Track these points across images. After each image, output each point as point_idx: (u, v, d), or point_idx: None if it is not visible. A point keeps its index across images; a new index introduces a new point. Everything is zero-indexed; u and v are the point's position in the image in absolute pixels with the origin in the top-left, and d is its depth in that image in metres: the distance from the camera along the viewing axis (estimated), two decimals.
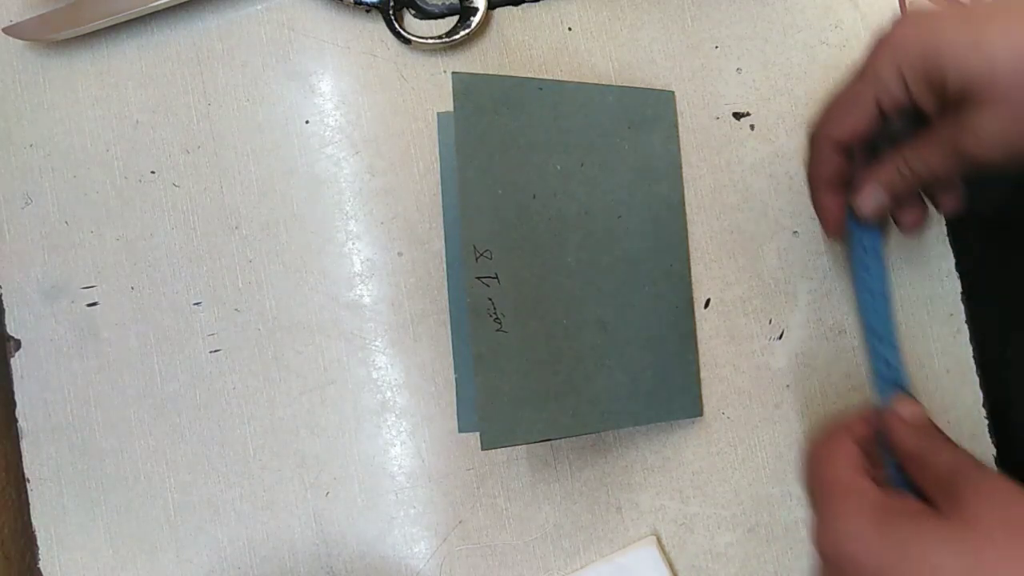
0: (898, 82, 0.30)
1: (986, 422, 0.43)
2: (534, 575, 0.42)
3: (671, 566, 0.42)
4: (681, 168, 0.43)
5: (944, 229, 0.43)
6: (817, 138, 0.34)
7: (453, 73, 0.37)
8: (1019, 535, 0.24)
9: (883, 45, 0.31)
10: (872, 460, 0.30)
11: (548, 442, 0.42)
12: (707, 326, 0.43)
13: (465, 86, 0.37)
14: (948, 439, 0.32)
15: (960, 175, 0.33)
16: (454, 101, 0.37)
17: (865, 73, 0.31)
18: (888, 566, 0.25)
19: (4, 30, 0.42)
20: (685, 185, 0.43)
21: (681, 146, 0.43)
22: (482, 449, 0.35)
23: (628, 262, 0.41)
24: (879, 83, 0.31)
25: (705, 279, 0.43)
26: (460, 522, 0.43)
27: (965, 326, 0.43)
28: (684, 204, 0.43)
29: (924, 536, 0.25)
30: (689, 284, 0.43)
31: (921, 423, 0.32)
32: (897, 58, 0.30)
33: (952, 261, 0.43)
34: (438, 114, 0.42)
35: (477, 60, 0.43)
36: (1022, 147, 0.29)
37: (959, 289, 0.43)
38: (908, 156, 0.33)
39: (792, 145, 0.44)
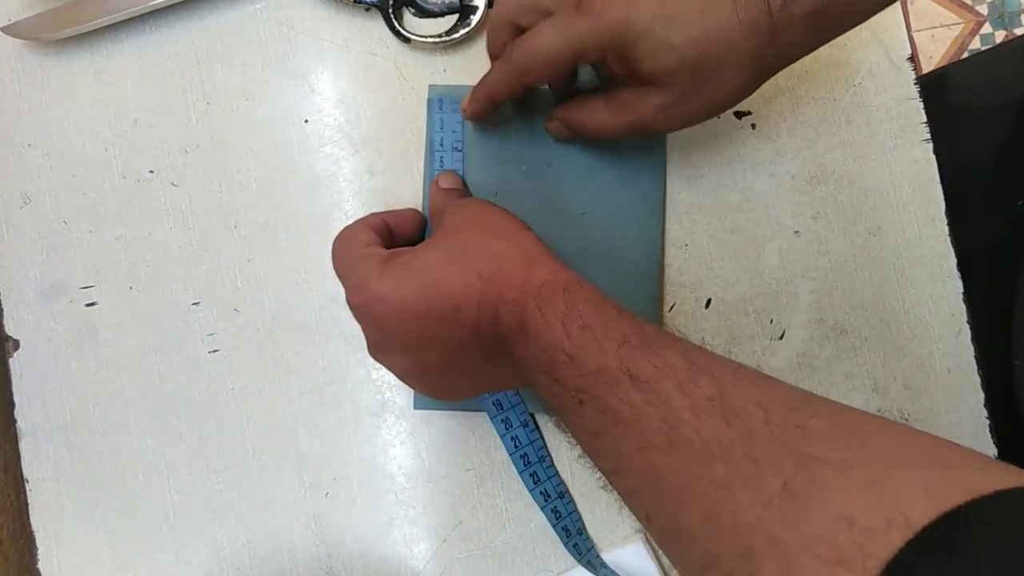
0: (599, 57, 0.33)
1: (988, 422, 0.43)
2: None
3: (661, 563, 0.42)
4: (664, 166, 0.43)
5: (946, 229, 0.43)
6: (515, 76, 0.36)
7: (430, 86, 0.42)
8: (472, 225, 0.35)
9: (587, 18, 0.33)
10: (384, 241, 0.37)
11: (545, 448, 0.42)
12: (708, 326, 0.43)
13: (438, 96, 0.42)
14: (461, 196, 0.40)
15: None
16: (427, 111, 0.42)
17: (570, 41, 0.33)
18: (392, 284, 0.32)
19: (3, 29, 0.41)
20: (687, 184, 0.43)
21: (682, 145, 0.43)
22: (414, 408, 0.42)
23: (590, 258, 0.41)
24: (582, 56, 0.33)
25: (706, 279, 0.43)
26: (460, 523, 0.43)
27: (967, 326, 0.43)
28: (664, 203, 0.43)
29: (415, 252, 0.34)
30: (656, 283, 0.42)
31: (454, 184, 0.40)
32: (602, 40, 0.32)
33: (954, 261, 0.43)
34: (430, 86, 0.42)
35: (476, 59, 0.43)
36: (686, 123, 0.35)
37: (961, 289, 0.43)
38: (599, 113, 0.36)
39: (794, 144, 0.43)
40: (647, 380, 0.27)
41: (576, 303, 0.30)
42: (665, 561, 0.42)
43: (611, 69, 0.34)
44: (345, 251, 0.36)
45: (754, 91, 0.34)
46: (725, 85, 0.33)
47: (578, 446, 0.31)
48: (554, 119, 0.39)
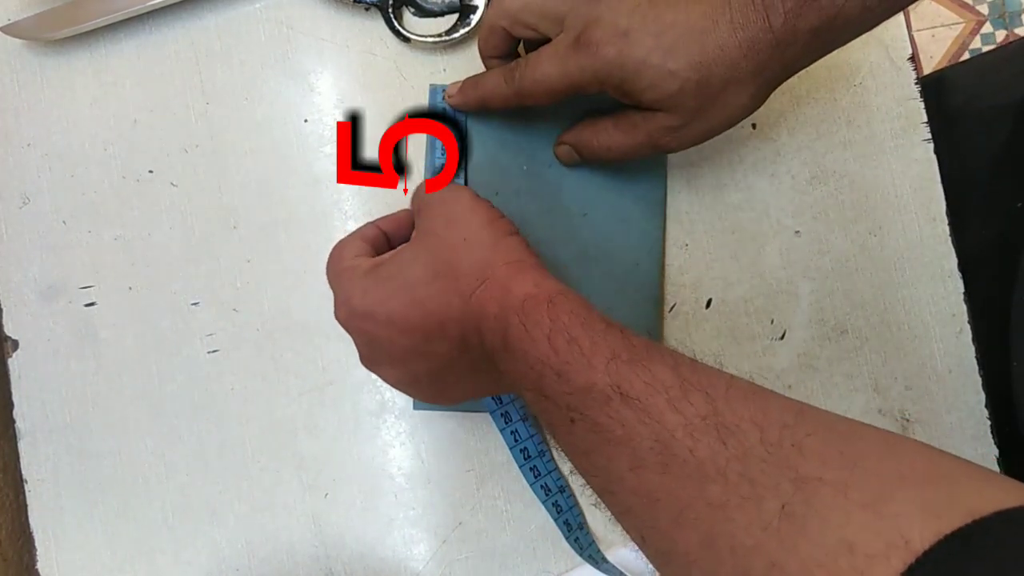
0: (597, 90, 0.34)
1: (988, 423, 0.43)
2: None
3: None
4: (665, 166, 0.43)
5: (947, 229, 0.43)
6: (515, 96, 0.37)
7: (431, 85, 0.42)
8: (452, 228, 0.33)
9: (584, 55, 0.33)
10: (378, 250, 0.36)
11: (545, 443, 0.42)
12: (708, 326, 0.43)
13: (435, 94, 0.42)
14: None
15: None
16: (429, 100, 0.42)
17: (568, 76, 0.34)
18: (376, 301, 0.32)
19: (2, 29, 0.41)
20: (687, 184, 0.43)
21: None
22: (414, 409, 0.43)
23: (590, 258, 0.41)
24: (580, 90, 0.34)
25: (707, 279, 0.43)
26: (460, 524, 0.43)
27: (968, 326, 0.43)
28: (665, 203, 0.43)
29: (397, 263, 0.33)
30: (656, 284, 0.42)
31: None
32: (599, 76, 0.33)
33: (955, 261, 0.43)
34: (431, 85, 0.42)
35: (476, 58, 0.43)
36: (696, 141, 0.35)
37: (961, 289, 0.43)
38: (607, 134, 0.37)
39: (795, 144, 0.43)
40: (638, 397, 0.26)
41: (561, 316, 0.29)
42: None
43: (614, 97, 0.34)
44: (333, 264, 0.36)
45: (763, 103, 0.34)
46: (731, 104, 0.33)
47: (568, 462, 0.31)
48: (563, 144, 0.40)
